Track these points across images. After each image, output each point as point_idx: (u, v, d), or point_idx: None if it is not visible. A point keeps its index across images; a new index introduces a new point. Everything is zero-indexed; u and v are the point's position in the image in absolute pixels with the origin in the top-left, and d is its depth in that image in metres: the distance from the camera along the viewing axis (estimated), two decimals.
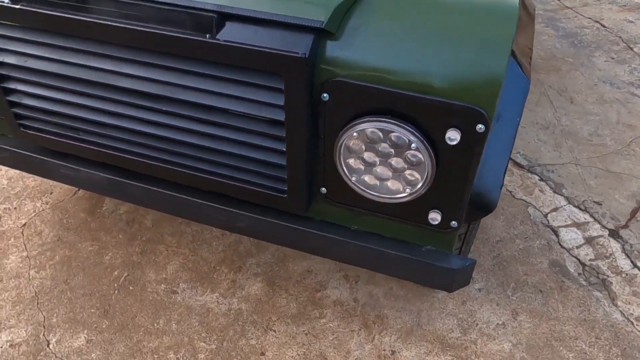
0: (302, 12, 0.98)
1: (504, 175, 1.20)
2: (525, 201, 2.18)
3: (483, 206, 1.19)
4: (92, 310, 1.80)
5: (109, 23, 1.08)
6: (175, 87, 1.14)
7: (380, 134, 1.04)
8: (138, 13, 1.05)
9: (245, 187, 1.26)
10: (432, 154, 1.03)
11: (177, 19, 1.03)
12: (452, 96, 0.95)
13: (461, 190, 1.07)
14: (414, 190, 1.10)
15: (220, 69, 1.07)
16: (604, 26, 3.30)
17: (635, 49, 3.08)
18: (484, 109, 0.94)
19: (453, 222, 1.14)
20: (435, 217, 1.13)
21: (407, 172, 1.08)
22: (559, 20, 3.35)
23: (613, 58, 3.01)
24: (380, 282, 1.87)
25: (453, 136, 0.98)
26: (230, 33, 1.01)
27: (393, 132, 1.02)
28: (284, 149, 1.13)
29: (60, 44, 1.17)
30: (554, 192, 2.23)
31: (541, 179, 2.28)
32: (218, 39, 1.02)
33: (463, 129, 0.98)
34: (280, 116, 1.08)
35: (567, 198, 2.20)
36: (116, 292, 1.85)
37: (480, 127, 0.97)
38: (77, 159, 1.45)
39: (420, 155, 1.04)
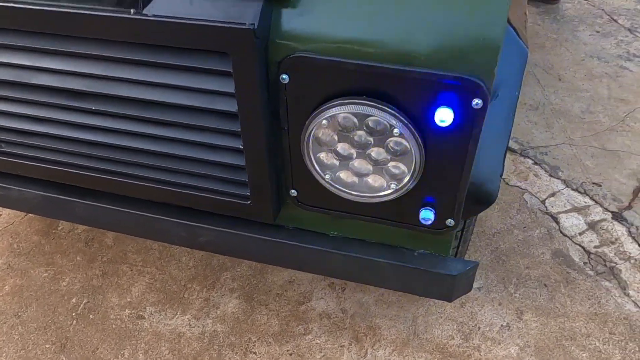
0: None
1: (504, 160, 1.02)
2: (521, 188, 2.02)
3: (482, 198, 1.01)
4: (47, 346, 1.59)
5: (13, 5, 0.87)
6: (104, 81, 0.94)
7: (355, 119, 0.85)
8: None
9: (202, 195, 1.06)
10: (420, 140, 0.84)
11: None
12: (440, 66, 0.77)
13: (457, 181, 0.89)
14: (400, 186, 0.91)
15: (153, 53, 0.87)
16: None
17: (619, 21, 2.95)
18: (480, 79, 0.76)
19: (449, 220, 0.96)
20: (427, 215, 0.94)
21: (391, 164, 0.89)
22: None
23: (598, 31, 2.88)
24: (370, 289, 1.69)
25: (444, 116, 0.80)
26: (160, 5, 0.82)
27: (370, 115, 0.83)
28: (241, 147, 0.93)
29: None
30: (550, 175, 2.07)
31: (535, 163, 2.12)
32: (145, 14, 0.82)
33: (456, 106, 0.79)
34: (232, 106, 0.89)
35: (564, 181, 2.04)
36: (74, 322, 1.64)
37: (477, 103, 0.78)
38: (6, 176, 1.23)
39: (405, 143, 0.85)
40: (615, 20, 2.96)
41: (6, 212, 2.01)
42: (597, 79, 2.54)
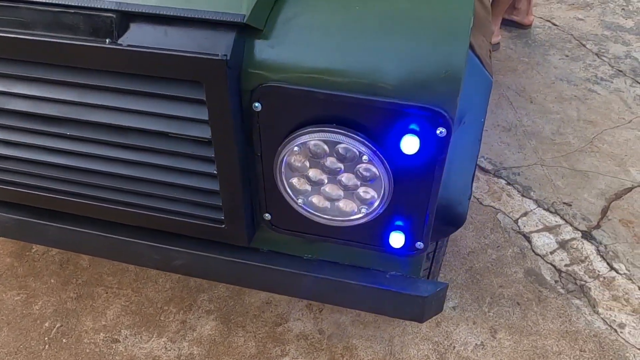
0: (220, 5, 0.81)
1: (472, 184, 1.05)
2: (494, 207, 2.07)
3: (451, 220, 1.04)
4: None
5: None
6: (79, 107, 0.95)
7: (325, 146, 0.88)
8: (21, 18, 0.86)
9: (177, 219, 1.07)
10: (388, 166, 0.87)
11: (69, 23, 0.85)
12: (405, 97, 0.80)
13: (425, 205, 0.92)
14: (370, 210, 0.94)
15: (128, 81, 0.89)
16: (555, 25, 3.29)
17: (587, 46, 3.07)
18: (443, 109, 0.80)
19: (418, 243, 0.98)
20: (397, 239, 0.97)
21: (361, 189, 0.92)
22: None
23: (567, 55, 2.99)
24: (347, 309, 1.70)
25: (410, 144, 0.83)
26: (135, 36, 0.84)
27: (340, 143, 0.86)
28: (215, 172, 0.95)
29: None
30: (522, 195, 2.12)
31: (508, 183, 2.18)
32: (120, 44, 0.84)
33: (421, 134, 0.83)
34: (206, 133, 0.90)
35: (536, 201, 2.09)
36: (47, 346, 1.61)
37: (441, 132, 0.82)
38: None
39: (374, 169, 0.88)
40: (584, 45, 3.08)
41: None
42: (566, 102, 2.63)
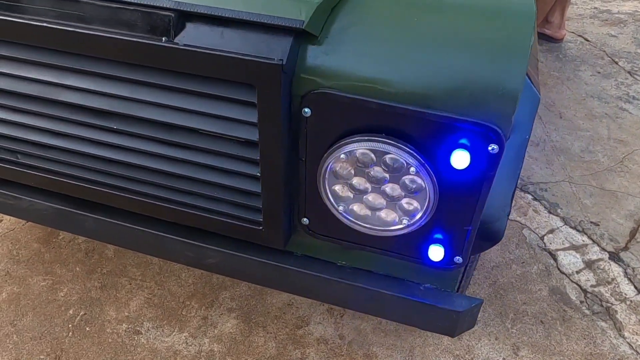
0: (278, 10, 0.81)
1: (512, 201, 1.04)
2: (520, 223, 2.04)
3: (488, 236, 1.03)
4: (42, 357, 1.57)
5: (46, 25, 0.90)
6: (129, 102, 0.96)
7: (373, 155, 0.87)
8: (80, 13, 0.88)
9: (215, 218, 1.07)
10: (435, 179, 0.87)
11: (127, 20, 0.86)
12: (460, 111, 0.80)
13: (467, 220, 0.91)
14: (412, 222, 0.93)
15: (181, 80, 0.89)
16: (587, 40, 3.25)
17: (620, 63, 3.03)
18: (498, 126, 0.79)
19: (457, 257, 0.97)
20: (436, 252, 0.96)
21: (405, 200, 0.91)
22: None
23: (599, 72, 2.95)
24: (368, 316, 1.70)
25: (460, 159, 0.82)
26: (192, 36, 0.84)
27: (388, 153, 0.86)
28: (258, 174, 0.95)
29: None
30: (549, 212, 2.10)
31: (535, 199, 2.15)
32: (177, 43, 0.84)
33: (472, 150, 0.82)
34: (254, 135, 0.91)
35: (563, 219, 2.07)
36: (70, 333, 1.63)
37: (493, 148, 0.81)
38: (18, 186, 1.25)
39: (420, 181, 0.88)
40: (616, 62, 3.04)
41: (7, 218, 2.01)
42: (597, 119, 2.59)
